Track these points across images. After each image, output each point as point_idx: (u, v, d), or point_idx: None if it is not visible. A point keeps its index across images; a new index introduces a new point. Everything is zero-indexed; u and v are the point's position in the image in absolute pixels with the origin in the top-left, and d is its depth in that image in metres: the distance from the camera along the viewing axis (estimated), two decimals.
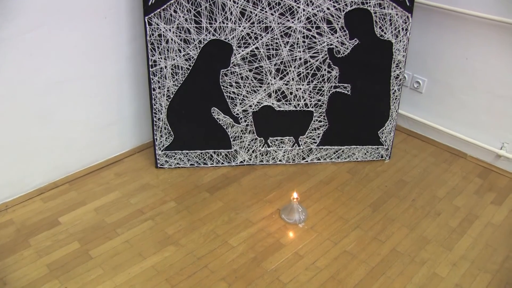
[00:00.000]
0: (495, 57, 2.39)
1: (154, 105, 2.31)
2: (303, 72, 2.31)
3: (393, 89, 2.42)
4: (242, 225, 2.13)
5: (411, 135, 2.89)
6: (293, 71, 2.31)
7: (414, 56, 2.71)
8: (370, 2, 2.21)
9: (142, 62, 2.42)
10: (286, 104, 2.38)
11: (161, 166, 2.49)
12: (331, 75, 2.34)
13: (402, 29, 2.29)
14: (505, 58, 2.36)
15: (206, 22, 2.16)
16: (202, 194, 2.32)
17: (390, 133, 2.53)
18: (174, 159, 2.47)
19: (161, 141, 2.41)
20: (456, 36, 2.50)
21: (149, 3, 2.10)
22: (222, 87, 2.30)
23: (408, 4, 2.24)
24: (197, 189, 2.35)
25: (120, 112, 2.50)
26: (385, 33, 2.28)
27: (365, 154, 2.58)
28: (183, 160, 2.48)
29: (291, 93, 2.35)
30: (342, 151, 2.55)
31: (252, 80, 2.30)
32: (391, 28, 2.28)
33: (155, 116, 2.34)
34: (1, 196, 2.22)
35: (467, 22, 2.43)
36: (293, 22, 2.20)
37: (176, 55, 2.21)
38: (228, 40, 2.20)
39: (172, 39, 2.18)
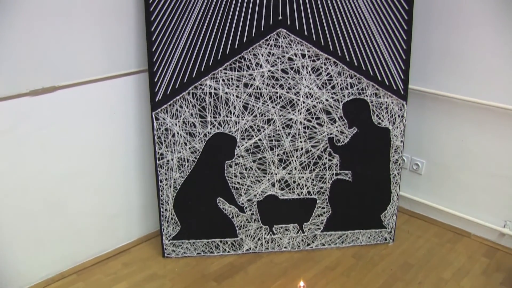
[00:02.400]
0: (488, 138, 2.47)
1: (161, 196, 2.36)
2: (305, 161, 2.38)
3: (393, 173, 2.48)
4: None
5: (413, 216, 2.91)
6: (295, 161, 2.38)
7: (412, 139, 2.78)
8: (366, 92, 2.32)
9: (149, 155, 2.48)
10: (290, 192, 2.43)
11: (168, 256, 2.50)
12: (332, 163, 2.40)
13: (398, 116, 2.38)
14: (497, 139, 2.44)
15: (210, 116, 2.26)
16: (210, 284, 2.32)
17: (392, 216, 2.56)
18: (181, 248, 2.48)
19: (168, 231, 2.44)
20: (450, 120, 2.59)
21: (156, 99, 2.21)
22: (227, 178, 2.35)
23: (402, 92, 2.34)
24: (204, 279, 2.35)
25: (128, 203, 2.54)
26: (382, 120, 2.37)
27: (369, 238, 2.60)
28: (189, 249, 2.49)
29: (294, 181, 2.41)
30: (346, 235, 2.57)
31: (256, 170, 2.36)
32: (388, 115, 2.37)
33: (162, 207, 2.38)
34: None
35: (459, 106, 2.53)
36: (294, 114, 2.30)
37: (182, 148, 2.29)
38: (232, 133, 2.29)
39: (178, 133, 2.27)
